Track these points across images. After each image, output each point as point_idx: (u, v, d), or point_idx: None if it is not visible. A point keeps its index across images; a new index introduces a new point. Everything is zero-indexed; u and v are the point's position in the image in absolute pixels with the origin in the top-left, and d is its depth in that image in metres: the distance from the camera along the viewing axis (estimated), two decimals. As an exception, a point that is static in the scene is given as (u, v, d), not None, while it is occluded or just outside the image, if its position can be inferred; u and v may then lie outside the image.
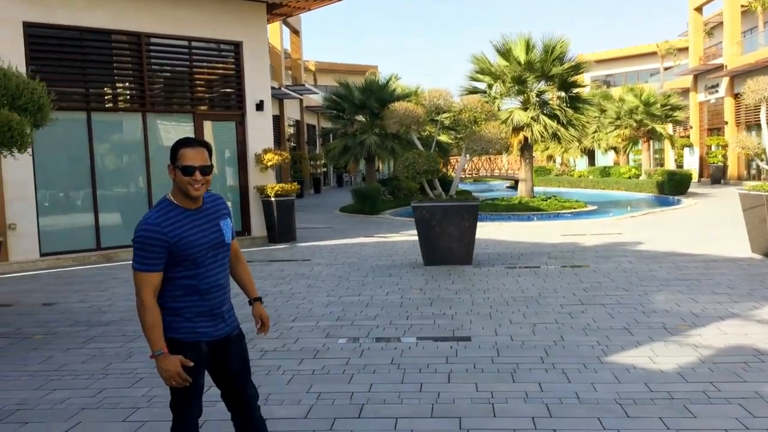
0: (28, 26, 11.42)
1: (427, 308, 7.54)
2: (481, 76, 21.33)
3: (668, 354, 5.53)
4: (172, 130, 13.52)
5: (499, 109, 20.56)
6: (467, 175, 39.38)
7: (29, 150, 8.70)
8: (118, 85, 13.27)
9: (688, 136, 36.31)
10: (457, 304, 7.66)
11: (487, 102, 11.08)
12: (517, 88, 20.83)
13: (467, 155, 10.66)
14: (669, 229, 14.65)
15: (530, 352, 5.70)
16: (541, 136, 20.22)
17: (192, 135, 13.28)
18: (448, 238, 10.17)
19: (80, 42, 12.22)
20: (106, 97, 13.03)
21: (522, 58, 20.37)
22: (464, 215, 10.07)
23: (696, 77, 36.14)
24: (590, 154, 40.04)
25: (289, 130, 35.17)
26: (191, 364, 2.94)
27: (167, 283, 2.95)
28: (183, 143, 2.98)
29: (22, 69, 10.46)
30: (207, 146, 3.04)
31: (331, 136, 32.03)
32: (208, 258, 3.00)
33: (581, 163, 43.69)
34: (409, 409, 4.49)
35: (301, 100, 36.17)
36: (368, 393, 4.81)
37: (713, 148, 31.96)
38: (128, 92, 13.26)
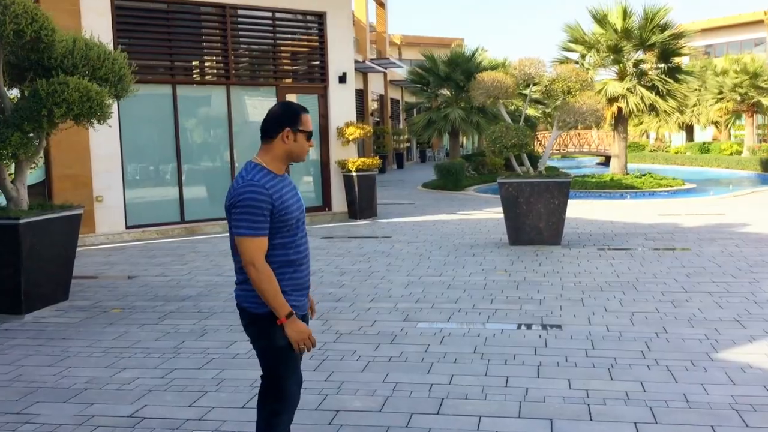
0: (115, -2, 11.46)
1: (512, 291, 7.07)
2: (573, 46, 20.34)
3: (790, 353, 4.89)
4: (257, 104, 13.41)
5: (592, 81, 19.56)
6: (554, 151, 38.03)
7: (111, 122, 8.70)
8: (203, 58, 13.25)
9: (797, 110, 33.79)
10: (545, 288, 7.15)
11: (582, 71, 10.33)
12: (612, 57, 19.74)
13: (559, 128, 10.00)
14: (779, 209, 13.52)
15: (629, 345, 5.16)
16: (637, 108, 19.10)
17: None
18: (536, 217, 9.60)
19: (166, 14, 12.20)
20: (191, 70, 13.03)
21: (619, 25, 19.25)
22: (554, 192, 9.47)
23: (809, 46, 33.48)
24: (688, 130, 37.90)
25: (373, 105, 34.87)
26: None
27: None
28: (301, 109, 2.92)
29: (110, 42, 10.49)
30: None
31: (414, 110, 31.56)
32: (300, 225, 2.92)
33: (677, 139, 41.53)
34: (493, 407, 4.08)
35: (385, 74, 35.72)
36: (448, 386, 4.43)
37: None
38: (213, 65, 13.21)
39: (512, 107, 21.56)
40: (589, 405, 4.05)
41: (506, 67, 21.61)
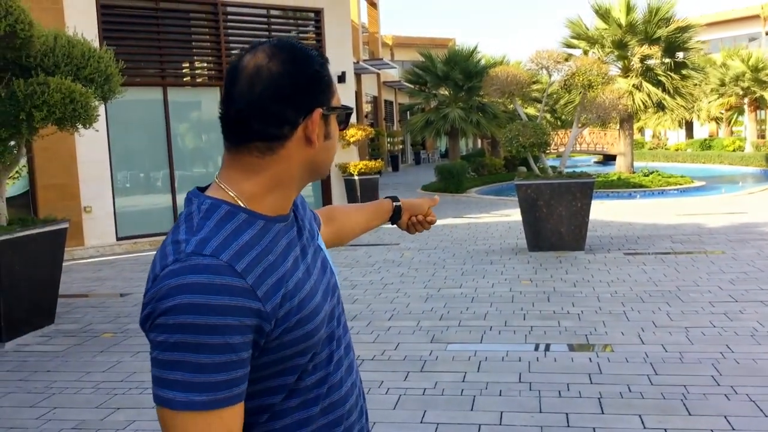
0: (100, -3, 10.78)
1: (544, 304, 6.43)
2: (576, 42, 19.78)
3: None
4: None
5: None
6: (551, 151, 37.39)
7: (99, 127, 8.04)
8: (195, 58, 12.58)
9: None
10: (579, 300, 6.52)
11: (603, 64, 9.72)
12: (617, 53, 19.18)
13: (580, 126, 9.39)
14: (800, 207, 12.96)
15: (695, 368, 4.53)
16: (644, 106, 18.54)
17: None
18: (557, 221, 8.97)
19: (155, 12, 11.52)
20: (183, 71, 12.37)
21: (623, 19, 18.71)
22: (576, 194, 8.84)
23: (807, 40, 33.12)
24: (687, 126, 37.44)
25: (367, 107, 34.21)
26: None
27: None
28: (325, 67, 1.26)
29: (95, 41, 9.81)
30: None
31: (408, 113, 30.98)
32: (335, 341, 1.27)
33: (673, 136, 41.08)
34: (558, 453, 3.44)
35: (378, 76, 35.11)
36: (500, 427, 3.78)
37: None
38: (206, 66, 12.55)
39: (511, 107, 20.94)
40: (672, 449, 3.42)
41: (506, 65, 21.02)
